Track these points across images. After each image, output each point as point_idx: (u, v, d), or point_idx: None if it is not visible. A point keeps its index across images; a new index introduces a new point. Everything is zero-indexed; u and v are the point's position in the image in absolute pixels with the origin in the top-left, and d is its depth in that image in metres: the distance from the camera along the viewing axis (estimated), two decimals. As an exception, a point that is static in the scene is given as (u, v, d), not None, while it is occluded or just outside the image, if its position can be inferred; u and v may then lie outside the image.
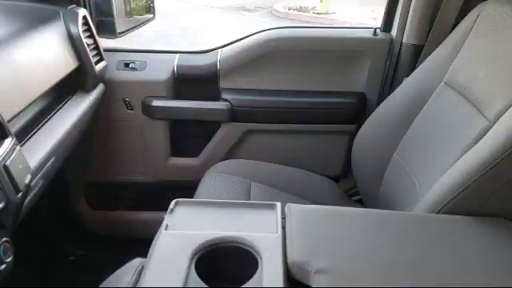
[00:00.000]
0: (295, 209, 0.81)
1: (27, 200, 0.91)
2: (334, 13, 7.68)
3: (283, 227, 0.77)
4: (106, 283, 0.76)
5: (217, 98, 1.44)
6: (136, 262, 0.75)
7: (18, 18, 1.13)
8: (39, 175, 0.95)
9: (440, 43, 1.19)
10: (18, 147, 0.84)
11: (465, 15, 1.14)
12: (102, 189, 1.57)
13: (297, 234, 0.75)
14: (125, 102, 1.45)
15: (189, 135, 1.52)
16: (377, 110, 1.29)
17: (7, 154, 0.79)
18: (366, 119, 1.30)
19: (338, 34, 1.48)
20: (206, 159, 1.51)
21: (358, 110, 1.44)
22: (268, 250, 0.71)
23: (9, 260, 0.77)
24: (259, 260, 0.69)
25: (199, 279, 0.66)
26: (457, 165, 0.88)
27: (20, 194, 0.81)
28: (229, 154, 1.51)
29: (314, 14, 7.72)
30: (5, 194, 0.75)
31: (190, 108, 1.44)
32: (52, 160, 1.03)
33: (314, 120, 1.46)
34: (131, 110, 1.45)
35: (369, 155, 1.29)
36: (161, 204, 0.84)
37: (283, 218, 0.79)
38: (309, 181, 1.40)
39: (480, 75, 1.02)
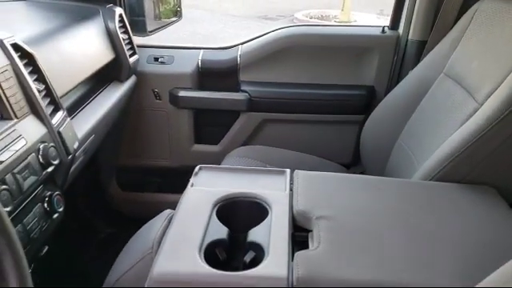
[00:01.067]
0: (302, 174, 0.94)
1: (72, 168, 1.05)
2: (356, 21, 7.78)
3: (291, 189, 0.89)
4: (141, 230, 0.90)
5: (237, 90, 1.58)
6: (166, 211, 0.89)
7: (65, 14, 1.29)
8: (81, 149, 1.10)
9: (441, 39, 1.30)
10: (68, 119, 0.99)
11: (464, 12, 1.26)
12: (132, 172, 1.72)
13: (302, 191, 0.87)
14: (154, 92, 1.60)
15: (210, 124, 1.66)
16: (383, 101, 1.41)
17: (60, 122, 0.94)
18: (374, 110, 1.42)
19: (348, 32, 1.61)
20: (225, 146, 1.64)
21: (367, 101, 1.56)
22: (277, 203, 0.84)
23: (60, 210, 0.92)
24: (269, 210, 0.82)
25: (219, 222, 0.79)
26: (448, 140, 1.00)
27: (70, 157, 0.96)
28: (246, 142, 1.64)
29: (336, 23, 7.83)
30: (58, 154, 0.90)
31: (213, 98, 1.58)
32: (92, 137, 1.18)
33: (327, 111, 1.58)
34: (159, 99, 1.61)
35: (375, 142, 1.41)
36: (184, 187, 0.90)
37: (291, 183, 0.92)
38: (320, 166, 1.52)
39: (473, 65, 1.13)
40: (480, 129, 0.92)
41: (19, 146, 0.79)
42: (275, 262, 0.69)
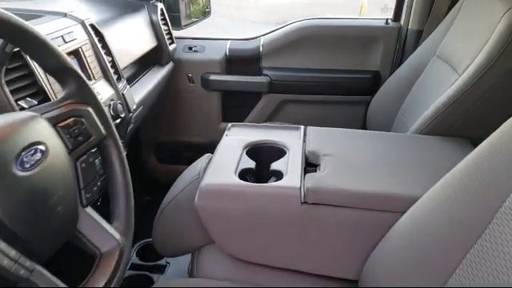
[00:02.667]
0: (313, 128, 1.18)
1: (128, 129, 1.31)
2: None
3: (304, 141, 1.13)
4: (188, 167, 1.14)
5: (259, 74, 1.83)
6: (206, 155, 1.14)
7: (118, 7, 1.55)
8: (134, 115, 1.36)
9: (435, 28, 1.53)
10: (128, 86, 1.25)
11: (454, 5, 1.48)
12: (168, 147, 1.98)
13: (313, 139, 1.11)
14: (188, 76, 1.86)
15: (236, 104, 1.90)
16: (386, 82, 1.63)
17: (122, 88, 1.20)
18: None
19: (356, 23, 1.84)
20: (248, 124, 1.89)
21: (373, 84, 1.79)
22: (292, 146, 1.08)
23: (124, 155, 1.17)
24: (287, 151, 1.06)
25: (249, 158, 1.04)
26: (433, 104, 1.22)
27: (130, 114, 1.21)
28: (267, 120, 1.88)
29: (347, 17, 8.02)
30: (123, 110, 1.16)
31: (238, 81, 1.83)
32: (140, 108, 1.43)
33: (337, 92, 1.81)
34: (193, 83, 1.86)
35: (380, 118, 1.63)
36: None
37: (304, 135, 1.15)
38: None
39: (458, 47, 1.36)
40: (457, 92, 1.15)
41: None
42: (291, 179, 0.93)
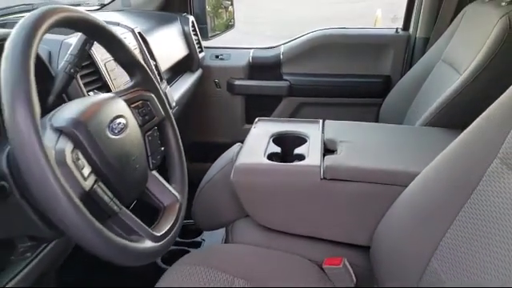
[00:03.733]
0: (331, 122, 1.34)
1: None
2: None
3: (323, 132, 1.29)
4: (222, 154, 1.31)
5: (279, 79, 2.01)
6: (236, 144, 1.31)
7: (154, 19, 1.74)
8: (173, 112, 1.54)
9: (440, 35, 1.69)
10: (168, 86, 1.44)
11: (457, 14, 1.64)
12: (196, 146, 2.16)
13: (330, 130, 1.27)
14: (215, 82, 2.05)
15: (258, 107, 2.08)
16: (396, 86, 1.79)
17: (165, 87, 1.39)
18: None
19: (369, 32, 2.02)
20: (270, 125, 2.06)
21: (384, 87, 1.95)
22: (313, 136, 1.24)
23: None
24: (307, 139, 1.23)
25: (275, 145, 1.20)
26: (437, 100, 1.38)
27: (171, 110, 1.39)
28: (287, 121, 2.05)
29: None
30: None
31: (260, 86, 2.01)
32: (176, 108, 1.62)
33: (352, 95, 1.98)
34: (219, 88, 2.05)
35: (390, 118, 1.79)
36: None
37: (323, 127, 1.32)
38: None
39: (460, 50, 1.52)
40: (458, 89, 1.31)
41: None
42: (312, 160, 1.09)
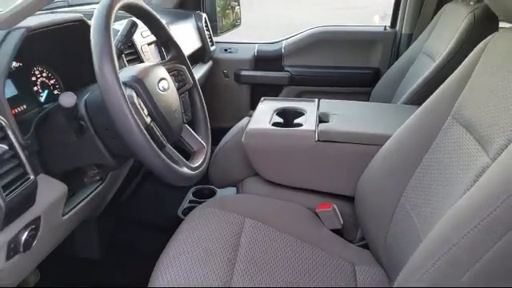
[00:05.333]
0: (325, 100, 1.59)
1: None
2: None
3: (318, 108, 1.54)
4: (231, 129, 1.56)
5: (281, 70, 2.26)
6: (244, 118, 1.55)
7: (172, 16, 1.99)
8: None
9: (422, 31, 1.94)
10: (187, 70, 1.68)
11: (438, 10, 1.89)
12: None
13: (325, 106, 1.52)
14: (223, 72, 2.30)
15: (262, 95, 2.31)
16: (383, 76, 2.05)
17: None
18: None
19: (360, 29, 2.27)
20: (273, 111, 2.31)
21: (374, 78, 2.20)
22: (310, 110, 1.49)
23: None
24: (305, 113, 1.48)
25: (278, 116, 1.46)
26: (415, 82, 1.62)
27: None
28: (288, 108, 2.31)
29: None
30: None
31: (264, 76, 2.27)
32: None
33: (345, 84, 2.23)
34: (227, 77, 2.30)
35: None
36: None
37: (318, 105, 1.57)
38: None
39: (437, 42, 1.77)
40: (432, 73, 1.56)
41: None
42: (309, 126, 1.34)
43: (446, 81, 1.09)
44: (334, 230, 1.27)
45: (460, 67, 1.07)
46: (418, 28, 2.05)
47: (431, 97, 1.11)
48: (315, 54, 2.25)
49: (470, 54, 1.05)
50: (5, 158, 0.76)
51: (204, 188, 1.63)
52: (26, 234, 0.83)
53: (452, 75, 1.09)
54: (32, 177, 0.81)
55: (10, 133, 0.78)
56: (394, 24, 2.21)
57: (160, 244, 1.09)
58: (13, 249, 0.81)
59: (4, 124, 0.77)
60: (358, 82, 2.23)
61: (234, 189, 1.51)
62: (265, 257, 1.07)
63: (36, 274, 1.35)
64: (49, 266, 1.37)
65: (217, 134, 2.36)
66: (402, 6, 2.14)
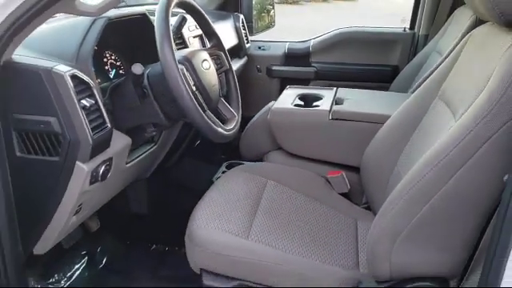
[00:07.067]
0: (342, 89, 1.84)
1: None
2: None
3: (335, 94, 1.79)
4: (259, 112, 1.83)
5: (309, 66, 2.52)
6: (271, 102, 1.82)
7: (214, 16, 2.28)
8: None
9: (437, 31, 2.15)
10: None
11: (452, 12, 2.10)
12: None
13: (341, 93, 1.77)
14: (257, 68, 2.58)
15: (291, 89, 2.59)
16: (400, 73, 2.26)
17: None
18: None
19: (381, 30, 2.51)
20: (300, 103, 2.57)
21: (392, 75, 2.41)
22: (327, 96, 1.75)
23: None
24: (323, 97, 1.73)
25: (299, 100, 1.72)
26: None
27: None
28: (313, 100, 2.56)
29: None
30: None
31: (293, 71, 2.53)
32: None
33: (366, 80, 2.45)
34: (260, 72, 2.58)
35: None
36: None
37: (336, 92, 1.82)
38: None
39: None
40: (436, 67, 1.78)
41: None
42: (324, 107, 1.60)
43: (437, 69, 1.33)
44: (342, 195, 1.52)
45: (448, 58, 1.30)
46: (433, 29, 2.26)
47: (424, 83, 1.35)
48: (340, 51, 2.49)
49: (457, 47, 1.29)
50: (92, 110, 1.06)
51: (235, 162, 1.90)
52: (103, 167, 1.13)
53: (441, 64, 1.32)
54: (109, 126, 1.11)
55: (95, 92, 1.08)
56: (412, 26, 2.43)
57: (197, 203, 1.34)
58: (94, 177, 1.11)
59: (92, 85, 1.08)
60: (378, 78, 2.45)
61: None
62: (281, 209, 1.33)
63: (97, 222, 1.67)
64: (107, 218, 1.69)
65: (248, 121, 2.65)
66: (419, 10, 2.36)
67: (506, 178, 0.81)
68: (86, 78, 1.06)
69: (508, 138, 0.89)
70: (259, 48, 2.59)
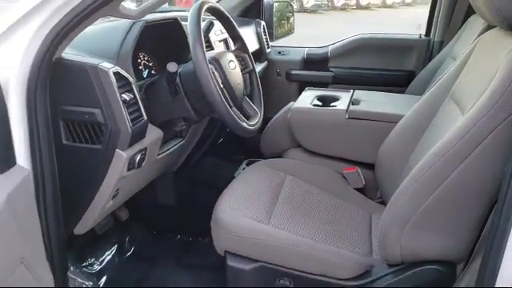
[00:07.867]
0: (359, 91, 1.94)
1: None
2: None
3: (352, 95, 1.88)
4: (279, 112, 1.93)
5: (327, 70, 2.62)
6: (290, 103, 1.92)
7: (237, 22, 2.40)
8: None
9: (452, 38, 2.23)
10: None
11: (466, 20, 2.18)
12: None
13: (358, 95, 1.87)
14: (276, 72, 2.69)
15: (309, 92, 2.69)
16: (415, 78, 2.34)
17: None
18: None
19: (398, 37, 2.59)
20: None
21: (408, 79, 2.49)
22: (345, 97, 1.84)
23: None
24: (340, 98, 1.83)
25: (318, 101, 1.82)
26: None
27: None
28: (331, 104, 2.66)
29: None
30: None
31: (312, 75, 2.63)
32: None
33: (383, 84, 2.53)
34: (280, 76, 2.69)
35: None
36: None
37: (353, 94, 1.91)
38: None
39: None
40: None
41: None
42: (341, 107, 1.70)
43: (449, 71, 1.42)
44: (357, 190, 1.61)
45: (459, 61, 1.39)
46: (448, 36, 2.34)
47: (436, 84, 1.44)
48: (357, 57, 2.59)
49: (467, 50, 1.37)
50: (131, 103, 1.18)
51: (256, 160, 2.00)
52: (139, 156, 1.24)
53: (453, 67, 1.41)
54: (145, 118, 1.22)
55: (134, 87, 1.20)
56: (428, 33, 2.52)
57: (219, 197, 1.43)
58: (131, 163, 1.22)
59: (132, 81, 1.20)
60: (394, 83, 2.54)
61: (281, 159, 1.88)
62: (300, 201, 1.42)
63: (126, 212, 1.79)
64: (135, 209, 1.81)
65: (267, 122, 2.76)
66: (435, 17, 2.45)
67: (506, 168, 0.90)
68: (126, 74, 1.18)
69: (510, 132, 0.97)
70: (279, 53, 2.70)
